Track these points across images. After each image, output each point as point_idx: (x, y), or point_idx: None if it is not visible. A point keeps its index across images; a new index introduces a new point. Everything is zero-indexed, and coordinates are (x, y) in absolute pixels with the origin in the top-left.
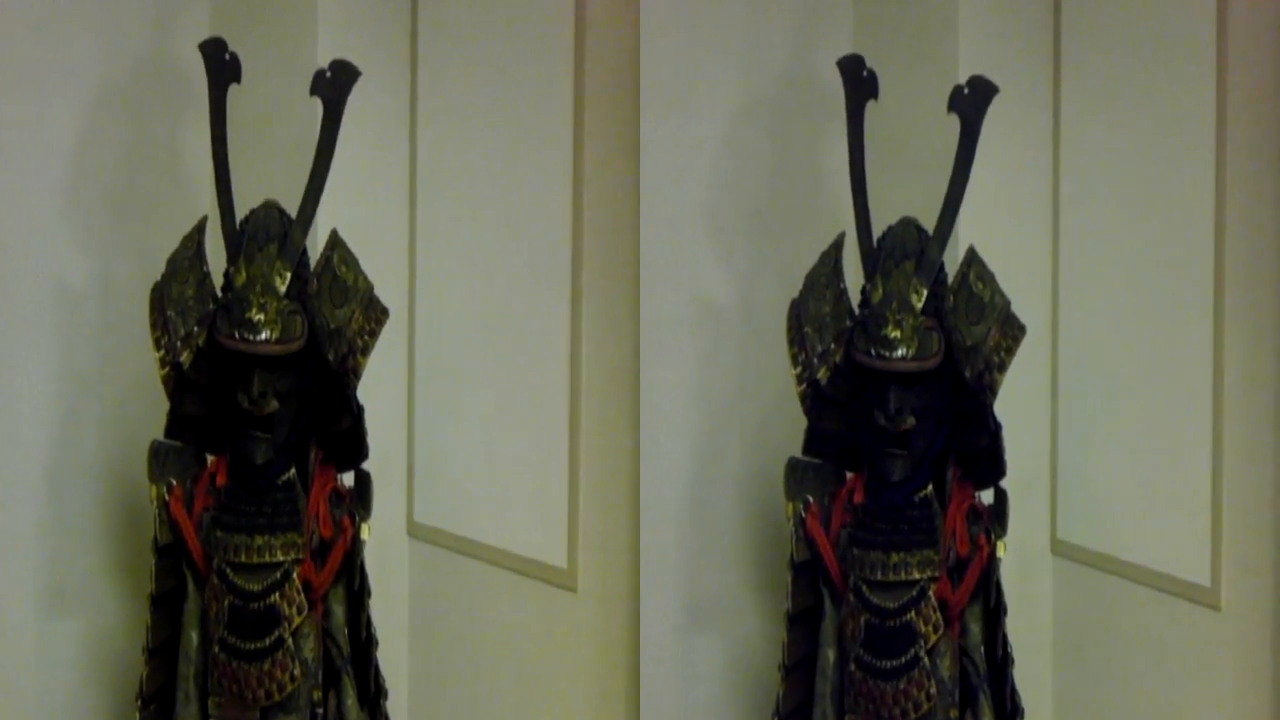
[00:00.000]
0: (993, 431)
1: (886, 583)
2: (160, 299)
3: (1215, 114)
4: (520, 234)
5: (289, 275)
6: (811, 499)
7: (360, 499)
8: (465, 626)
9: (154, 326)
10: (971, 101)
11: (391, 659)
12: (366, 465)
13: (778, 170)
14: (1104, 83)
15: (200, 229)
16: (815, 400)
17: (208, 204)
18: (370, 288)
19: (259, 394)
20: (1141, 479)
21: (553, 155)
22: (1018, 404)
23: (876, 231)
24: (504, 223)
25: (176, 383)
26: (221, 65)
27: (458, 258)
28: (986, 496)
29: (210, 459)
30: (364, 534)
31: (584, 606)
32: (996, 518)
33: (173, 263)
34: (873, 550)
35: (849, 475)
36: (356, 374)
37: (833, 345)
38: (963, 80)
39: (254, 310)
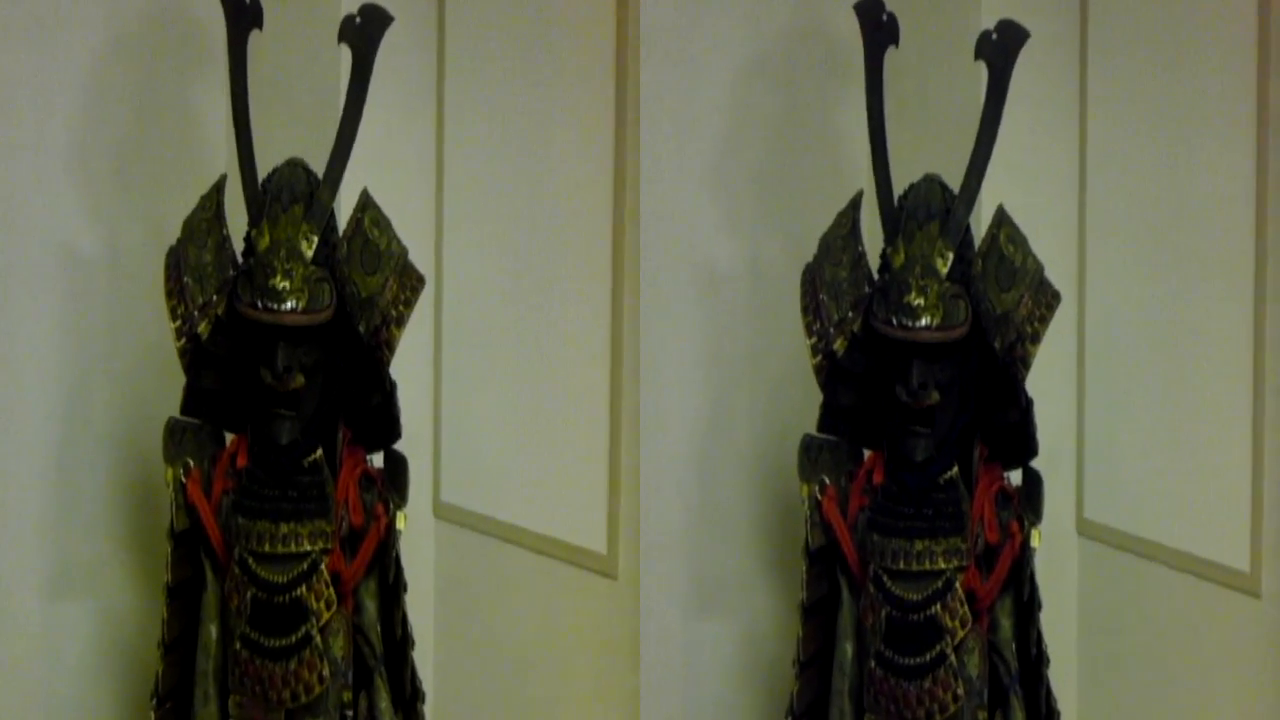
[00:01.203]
0: (1024, 408)
1: (909, 572)
2: (176, 264)
3: (1256, 58)
4: (555, 196)
5: (316, 239)
6: (828, 480)
7: (394, 484)
8: (495, 614)
9: (169, 294)
10: (1000, 48)
11: (417, 650)
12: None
13: (786, 128)
14: (1134, 28)
15: (219, 188)
16: (832, 373)
17: (224, 164)
18: (405, 252)
19: (284, 368)
20: (1175, 455)
21: (592, 112)
22: (1042, 375)
23: (898, 190)
24: (537, 184)
25: (194, 356)
26: (241, 8)
27: (488, 221)
28: (1015, 477)
29: (230, 438)
30: (399, 523)
31: (625, 594)
32: (1028, 502)
33: (189, 225)
34: (894, 537)
35: (868, 454)
36: (390, 347)
37: (850, 313)
38: (986, 26)
39: (278, 277)
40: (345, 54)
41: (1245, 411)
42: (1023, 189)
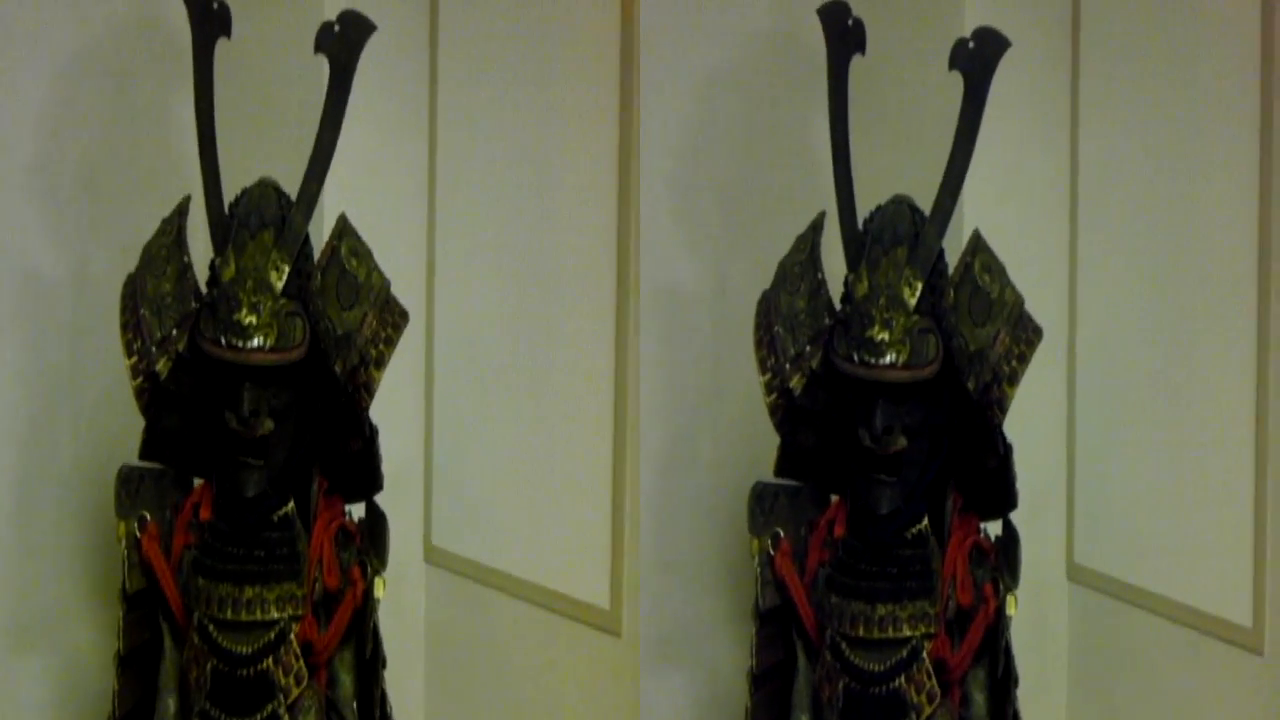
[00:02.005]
0: (1002, 455)
1: (871, 640)
2: (133, 294)
3: (1260, 73)
4: (557, 220)
5: (287, 269)
6: (783, 533)
7: (373, 543)
8: (489, 667)
9: (124, 327)
10: (978, 58)
11: (405, 701)
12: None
13: (755, 143)
14: (1129, 32)
15: (181, 212)
16: (788, 413)
17: (195, 183)
18: (386, 285)
19: (250, 412)
20: (1172, 496)
21: (597, 127)
22: (1029, 411)
23: (863, 212)
24: (538, 207)
25: (151, 396)
26: (207, 14)
27: (484, 245)
28: (994, 527)
29: (197, 483)
30: (378, 590)
31: (629, 652)
32: (1006, 563)
33: (148, 252)
34: (855, 599)
35: (834, 499)
36: (369, 390)
37: (808, 348)
38: (968, 34)
39: (244, 311)
40: (325, 64)
41: (1248, 451)
42: (1009, 208)
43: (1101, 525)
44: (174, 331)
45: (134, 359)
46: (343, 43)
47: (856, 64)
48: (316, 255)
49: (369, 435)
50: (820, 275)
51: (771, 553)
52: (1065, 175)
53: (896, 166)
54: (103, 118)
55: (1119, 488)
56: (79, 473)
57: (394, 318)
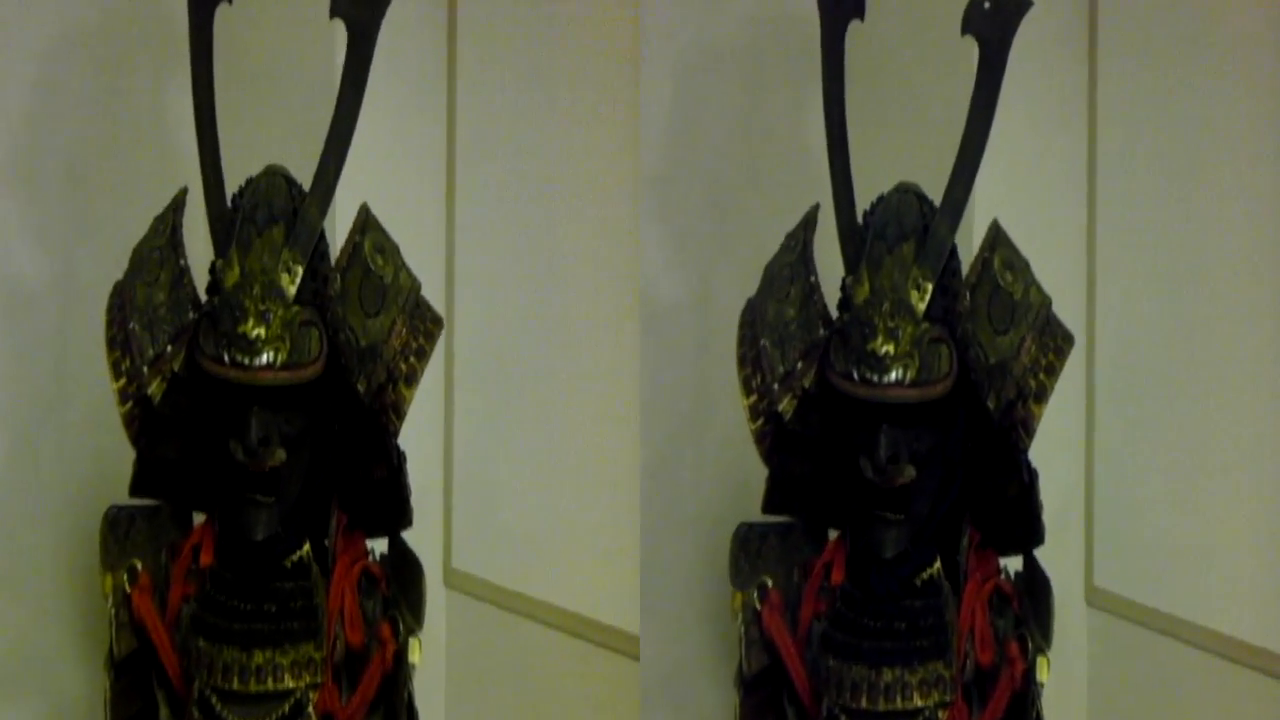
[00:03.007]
0: (1026, 483)
1: (877, 713)
2: (121, 305)
3: None
4: (583, 216)
5: (301, 270)
6: (771, 584)
7: (406, 594)
8: (513, 696)
9: (111, 344)
10: (995, 20)
11: None
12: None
13: (745, 133)
14: (1151, 15)
15: (176, 208)
16: (777, 440)
17: (193, 175)
18: (416, 286)
19: (259, 441)
20: (1199, 515)
21: (622, 116)
22: (1044, 420)
23: (863, 204)
24: (565, 203)
25: (143, 424)
26: None
27: (508, 243)
28: (1014, 562)
29: (197, 518)
30: (413, 654)
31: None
32: (1035, 615)
33: (138, 256)
34: (856, 663)
35: (831, 536)
36: (398, 411)
37: (800, 364)
38: None
39: (251, 322)
40: (340, 34)
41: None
42: (1022, 200)
43: (1123, 545)
44: (168, 348)
45: (122, 381)
46: (362, 2)
47: (853, 33)
48: (334, 254)
49: (396, 463)
50: (813, 278)
51: (758, 607)
52: (1082, 156)
53: (900, 150)
54: (91, 109)
55: (1142, 505)
56: (66, 502)
57: (426, 324)
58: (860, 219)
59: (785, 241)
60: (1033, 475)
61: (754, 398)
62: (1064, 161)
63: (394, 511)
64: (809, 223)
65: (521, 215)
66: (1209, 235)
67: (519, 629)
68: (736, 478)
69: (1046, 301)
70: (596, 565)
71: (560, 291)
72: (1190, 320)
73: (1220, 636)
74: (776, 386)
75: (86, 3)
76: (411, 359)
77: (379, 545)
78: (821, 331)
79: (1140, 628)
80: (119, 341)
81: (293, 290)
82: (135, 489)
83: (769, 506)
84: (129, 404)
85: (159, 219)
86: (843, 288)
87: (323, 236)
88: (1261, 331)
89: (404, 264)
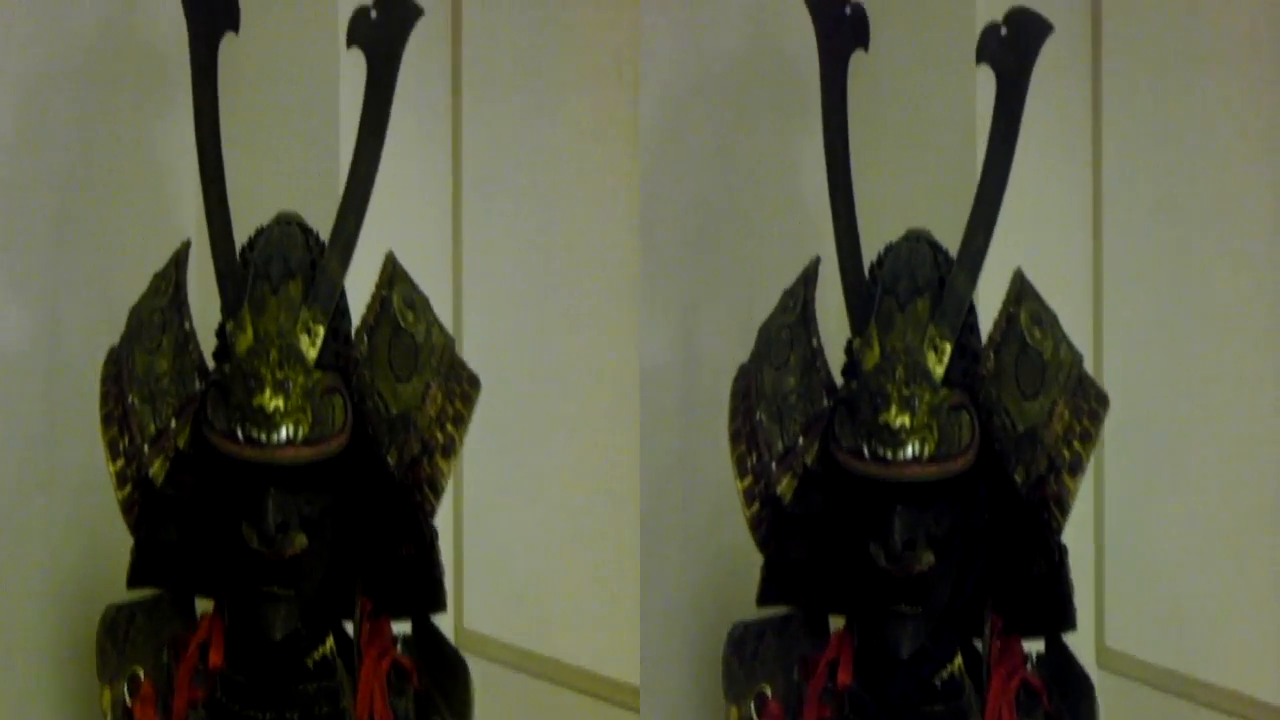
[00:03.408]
0: (1056, 562)
1: None
2: (118, 376)
3: None
4: (585, 250)
5: (322, 331)
6: (770, 693)
7: (448, 701)
8: None
9: (107, 421)
10: (1013, 48)
11: None
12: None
13: (737, 173)
14: (1154, 33)
15: (179, 263)
16: (775, 526)
17: (194, 225)
18: (450, 344)
19: (277, 527)
20: (1218, 571)
21: (614, 141)
22: None
23: (869, 255)
24: (573, 235)
25: (144, 508)
26: (208, 4)
27: (518, 284)
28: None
29: (202, 610)
30: None
31: None
32: (1069, 715)
33: (136, 318)
34: None
35: (834, 629)
36: (434, 487)
37: (801, 440)
38: (986, 22)
39: (268, 392)
40: (349, 67)
41: None
42: (1029, 239)
43: (1136, 604)
44: (172, 423)
45: (120, 463)
46: (383, 32)
47: (855, 65)
48: (356, 311)
49: (429, 542)
50: (816, 342)
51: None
52: (1087, 191)
53: (909, 194)
54: (77, 147)
55: (1157, 560)
56: (57, 584)
57: (463, 386)
58: (868, 272)
59: (782, 300)
60: (1062, 551)
61: (749, 480)
62: (1067, 189)
63: (425, 593)
64: (809, 278)
65: (531, 241)
66: (1218, 278)
67: (538, 693)
68: (723, 548)
69: (1078, 359)
70: (598, 619)
71: (571, 324)
72: (1202, 371)
73: (1239, 696)
74: (774, 466)
75: (72, 36)
76: (449, 426)
77: (402, 626)
78: (825, 402)
79: (1155, 690)
80: (116, 417)
81: (314, 354)
82: (134, 580)
83: (765, 599)
84: (128, 488)
85: (159, 276)
86: (848, 351)
87: (343, 294)
88: (1278, 383)
89: (436, 319)
